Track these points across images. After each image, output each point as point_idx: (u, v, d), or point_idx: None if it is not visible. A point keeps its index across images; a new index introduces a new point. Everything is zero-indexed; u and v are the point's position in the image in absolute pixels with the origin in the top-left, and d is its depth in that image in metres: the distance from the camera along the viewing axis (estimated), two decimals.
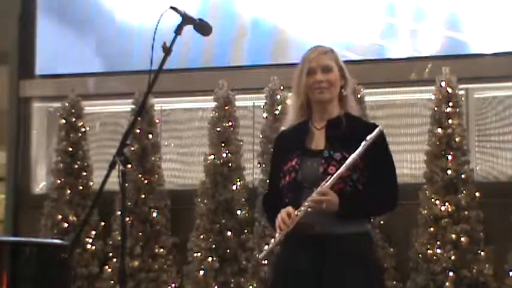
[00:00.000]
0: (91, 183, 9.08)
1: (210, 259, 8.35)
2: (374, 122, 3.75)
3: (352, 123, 3.67)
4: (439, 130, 8.09)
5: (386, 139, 3.74)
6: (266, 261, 8.11)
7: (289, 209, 3.53)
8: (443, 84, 8.17)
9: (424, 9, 8.83)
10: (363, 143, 3.55)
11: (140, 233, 8.67)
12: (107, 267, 8.72)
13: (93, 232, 8.84)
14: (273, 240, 3.56)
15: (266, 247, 3.59)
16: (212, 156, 8.61)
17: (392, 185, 3.68)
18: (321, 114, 3.71)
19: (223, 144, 8.63)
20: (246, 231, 8.47)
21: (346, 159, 3.55)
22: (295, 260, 3.58)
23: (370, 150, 3.59)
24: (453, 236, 7.83)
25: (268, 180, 3.92)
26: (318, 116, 3.72)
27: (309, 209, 3.49)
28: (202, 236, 8.45)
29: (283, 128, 3.87)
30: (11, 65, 9.97)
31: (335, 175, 3.51)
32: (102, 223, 8.91)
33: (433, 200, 7.96)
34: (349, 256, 3.55)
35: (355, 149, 3.56)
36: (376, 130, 3.62)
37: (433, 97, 8.26)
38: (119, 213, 7.68)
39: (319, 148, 3.65)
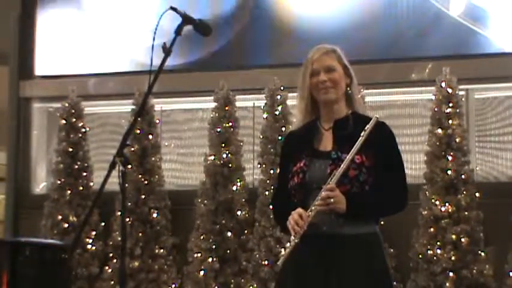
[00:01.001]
0: (91, 184, 9.09)
1: (210, 259, 8.35)
2: (385, 124, 3.73)
3: (360, 123, 3.65)
4: (439, 130, 8.09)
5: (395, 138, 3.73)
6: (266, 262, 8.13)
7: (300, 210, 3.52)
8: (443, 84, 8.18)
9: None
10: (362, 133, 3.55)
11: (140, 234, 8.67)
12: (107, 267, 8.72)
13: (94, 232, 8.84)
14: (288, 244, 3.54)
15: (283, 252, 3.57)
16: (212, 157, 8.61)
17: (401, 184, 3.66)
18: (328, 114, 3.71)
19: (223, 145, 8.63)
20: (246, 231, 8.47)
21: (353, 159, 3.54)
22: (303, 259, 3.57)
23: (378, 149, 3.59)
24: (453, 236, 7.83)
25: (277, 180, 3.90)
26: (326, 116, 3.71)
27: (319, 207, 3.49)
28: (202, 237, 8.45)
29: (291, 129, 3.87)
30: (11, 65, 9.98)
31: (338, 171, 3.50)
32: (102, 223, 8.91)
33: (433, 200, 7.97)
34: (357, 256, 3.54)
35: (363, 149, 3.56)
36: (373, 119, 3.61)
37: (433, 97, 8.26)
38: (119, 213, 7.68)
39: (327, 149, 3.64)
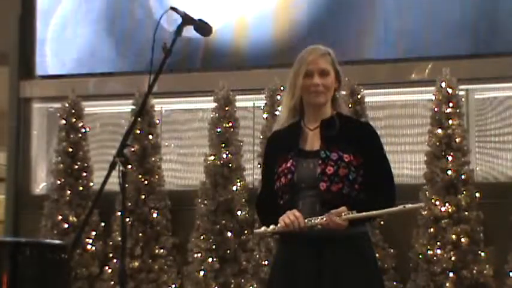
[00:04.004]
0: (91, 184, 9.09)
1: (210, 260, 8.35)
2: (366, 120, 3.75)
3: (345, 123, 3.68)
4: (439, 131, 8.09)
5: (379, 137, 3.74)
6: (266, 262, 8.13)
7: (297, 213, 3.51)
8: (443, 84, 8.18)
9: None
10: (400, 206, 3.53)
11: (140, 234, 8.67)
12: (107, 267, 8.72)
13: (94, 233, 8.84)
14: (272, 226, 3.53)
15: (264, 228, 3.57)
16: (212, 157, 8.62)
17: (391, 184, 3.68)
18: (314, 115, 3.71)
19: (223, 145, 8.63)
20: (246, 231, 8.47)
21: (342, 159, 3.56)
22: (295, 260, 3.58)
23: (364, 148, 3.60)
24: (453, 236, 7.84)
25: (261, 182, 3.88)
26: (311, 117, 3.72)
27: (319, 226, 3.49)
28: (202, 237, 8.45)
29: (275, 129, 3.84)
30: (11, 65, 9.98)
31: (354, 215, 3.49)
32: (102, 224, 8.91)
33: (433, 200, 7.96)
34: (349, 256, 3.56)
35: (350, 148, 3.58)
36: (417, 204, 3.62)
37: (433, 98, 8.26)
38: (119, 213, 7.68)
39: (315, 149, 3.64)
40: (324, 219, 3.48)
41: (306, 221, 3.50)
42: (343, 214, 3.47)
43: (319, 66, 3.67)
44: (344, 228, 3.49)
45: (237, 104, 8.81)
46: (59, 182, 9.04)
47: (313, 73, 3.66)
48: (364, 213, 3.49)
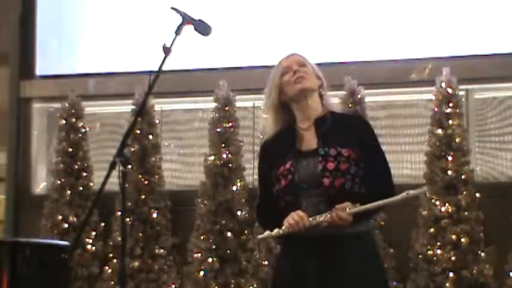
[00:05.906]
0: (91, 184, 9.08)
1: (210, 260, 8.35)
2: (361, 116, 3.78)
3: (338, 119, 3.71)
4: (439, 131, 8.09)
5: (374, 130, 3.76)
6: (266, 262, 8.13)
7: (301, 213, 3.51)
8: (443, 84, 8.18)
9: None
10: (403, 194, 3.52)
11: (140, 234, 8.67)
12: (107, 267, 8.71)
13: (94, 233, 8.83)
14: (276, 230, 3.54)
15: (267, 232, 3.57)
16: (212, 157, 8.61)
17: (389, 177, 3.70)
18: (304, 112, 3.72)
19: (223, 145, 8.63)
20: (246, 232, 8.47)
21: (341, 153, 3.57)
22: (298, 259, 3.58)
23: (361, 141, 3.62)
24: (453, 236, 7.84)
25: (259, 190, 3.87)
26: (302, 114, 3.73)
27: (324, 224, 3.49)
28: (202, 237, 8.45)
29: (265, 139, 3.85)
30: (12, 65, 9.98)
31: (358, 208, 3.49)
32: (102, 224, 8.90)
33: (433, 200, 7.96)
34: (352, 256, 3.56)
35: (347, 143, 3.59)
36: (420, 190, 3.62)
37: (433, 98, 8.26)
38: (119, 213, 7.69)
39: (312, 147, 3.65)
40: (328, 215, 3.48)
41: (310, 219, 3.50)
42: (347, 209, 3.48)
43: (294, 59, 3.79)
44: (349, 224, 3.49)
45: (237, 104, 8.81)
46: (59, 182, 9.04)
47: (291, 66, 3.73)
48: (368, 205, 3.50)
